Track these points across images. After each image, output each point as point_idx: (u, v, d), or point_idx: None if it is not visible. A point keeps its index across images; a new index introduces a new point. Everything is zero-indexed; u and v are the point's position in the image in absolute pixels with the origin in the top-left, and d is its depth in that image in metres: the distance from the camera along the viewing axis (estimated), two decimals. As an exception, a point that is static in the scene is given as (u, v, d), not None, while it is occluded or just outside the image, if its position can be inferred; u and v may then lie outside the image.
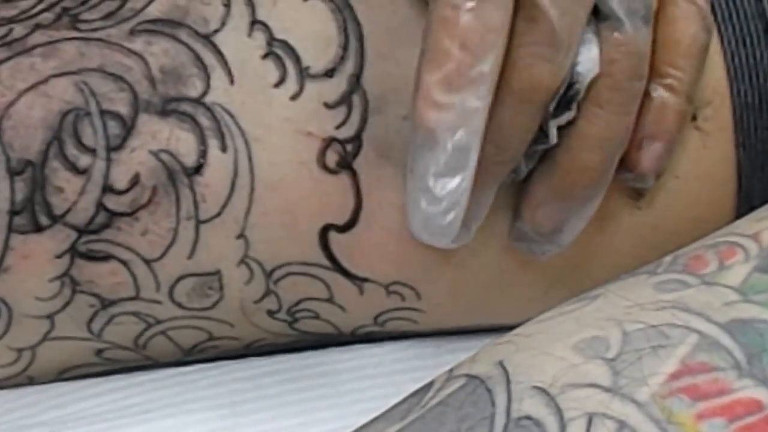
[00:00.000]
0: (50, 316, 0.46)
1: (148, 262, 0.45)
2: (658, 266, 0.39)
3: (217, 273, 0.45)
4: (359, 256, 0.46)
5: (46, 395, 0.48)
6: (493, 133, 0.41)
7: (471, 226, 0.44)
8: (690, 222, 0.48)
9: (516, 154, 0.43)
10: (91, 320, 0.46)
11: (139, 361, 0.48)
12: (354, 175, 0.45)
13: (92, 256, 0.45)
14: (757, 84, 0.47)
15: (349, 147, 0.45)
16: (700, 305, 0.35)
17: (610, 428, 0.32)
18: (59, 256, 0.45)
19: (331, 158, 0.45)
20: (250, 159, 0.44)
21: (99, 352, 0.47)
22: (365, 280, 0.46)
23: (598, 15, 0.43)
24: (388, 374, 0.49)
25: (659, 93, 0.44)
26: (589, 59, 0.43)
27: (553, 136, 0.43)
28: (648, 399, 0.32)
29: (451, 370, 0.37)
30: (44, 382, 0.48)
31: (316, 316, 0.47)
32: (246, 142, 0.44)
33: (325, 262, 0.46)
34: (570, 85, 0.43)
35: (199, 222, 0.44)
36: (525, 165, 0.44)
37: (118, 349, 0.47)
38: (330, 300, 0.47)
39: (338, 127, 0.45)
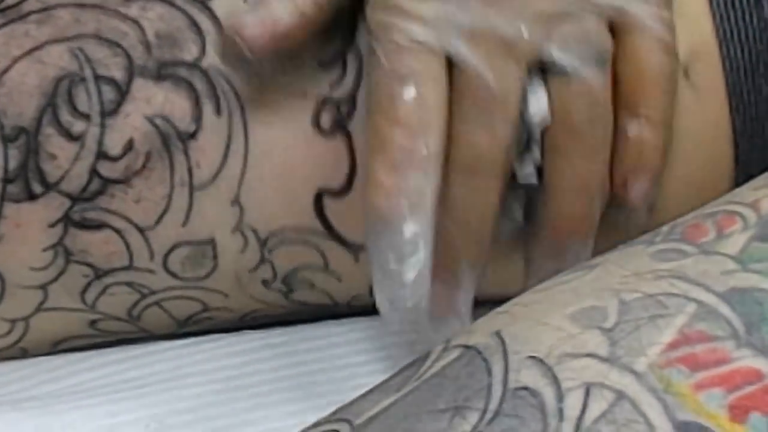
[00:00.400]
0: (43, 287, 0.45)
1: (141, 230, 0.45)
2: (656, 236, 0.39)
3: (212, 241, 0.45)
4: (354, 222, 0.45)
5: (40, 369, 0.47)
6: (453, 212, 0.42)
7: (460, 309, 0.44)
8: (688, 186, 0.47)
9: (481, 229, 0.42)
10: (84, 291, 0.46)
11: (133, 332, 0.48)
12: (348, 137, 0.45)
13: (86, 225, 0.44)
14: (747, 45, 0.46)
15: (343, 108, 0.45)
16: (698, 274, 0.35)
17: (608, 398, 0.31)
18: (52, 225, 0.44)
19: (326, 119, 0.45)
20: (244, 122, 0.44)
21: (93, 323, 0.47)
22: (361, 247, 0.46)
23: (544, 66, 0.42)
24: (384, 348, 0.49)
25: (634, 129, 0.43)
26: (539, 109, 0.42)
27: (530, 175, 0.43)
28: (646, 369, 0.32)
29: (447, 341, 0.36)
30: (38, 355, 0.48)
31: (312, 286, 0.47)
32: (240, 105, 0.44)
33: (320, 228, 0.45)
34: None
35: (193, 188, 0.44)
36: (519, 207, 0.44)
37: (112, 320, 0.47)
38: (325, 269, 0.46)
39: (333, 86, 0.45)
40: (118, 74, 0.44)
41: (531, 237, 0.45)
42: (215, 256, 0.45)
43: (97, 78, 0.43)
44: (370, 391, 0.36)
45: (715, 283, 0.35)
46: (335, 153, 0.45)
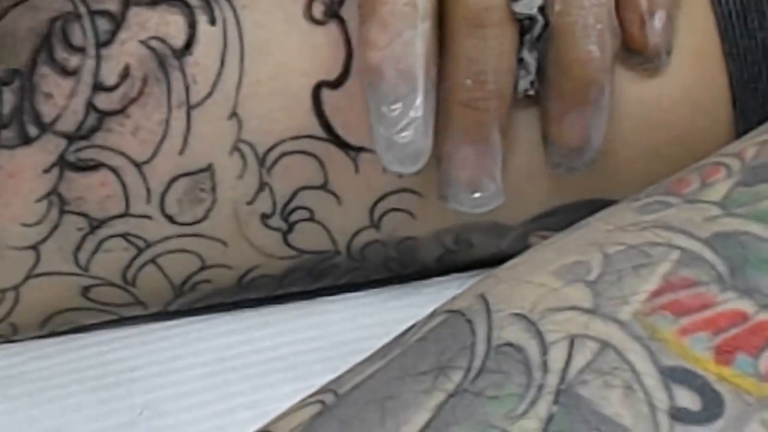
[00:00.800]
0: (35, 247, 0.45)
1: (138, 165, 0.44)
2: (641, 193, 0.38)
3: (209, 168, 0.45)
4: (354, 118, 0.45)
5: (29, 347, 0.47)
6: (468, 68, 0.42)
7: (494, 174, 0.44)
8: (689, 138, 0.47)
9: (499, 81, 0.43)
10: (78, 248, 0.45)
11: (128, 304, 0.47)
12: (342, 23, 0.45)
13: (81, 166, 0.44)
14: None
15: None
16: (681, 222, 0.35)
17: (593, 349, 0.31)
18: (47, 170, 0.44)
19: (318, 9, 0.45)
20: (238, 26, 0.44)
21: (85, 290, 0.47)
22: (360, 149, 0.45)
23: None
24: (382, 324, 0.48)
25: None
26: None
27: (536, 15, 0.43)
28: (630, 318, 0.32)
29: (435, 310, 0.36)
30: (27, 335, 0.48)
31: (311, 217, 0.46)
32: (233, 10, 0.44)
33: (320, 131, 0.45)
34: None
35: (190, 107, 0.44)
36: (532, 60, 0.44)
37: (105, 286, 0.46)
38: (324, 187, 0.46)
39: None
40: (114, 6, 0.44)
41: (546, 92, 0.45)
42: (213, 188, 0.45)
43: (92, 13, 0.44)
44: (359, 363, 0.36)
45: (698, 230, 0.34)
46: (330, 41, 0.45)
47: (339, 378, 0.35)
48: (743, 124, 0.47)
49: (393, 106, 0.42)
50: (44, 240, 0.45)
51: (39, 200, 0.44)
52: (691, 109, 0.47)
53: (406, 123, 0.42)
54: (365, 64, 0.42)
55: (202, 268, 0.47)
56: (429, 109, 0.43)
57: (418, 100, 0.42)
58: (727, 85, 0.47)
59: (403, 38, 0.42)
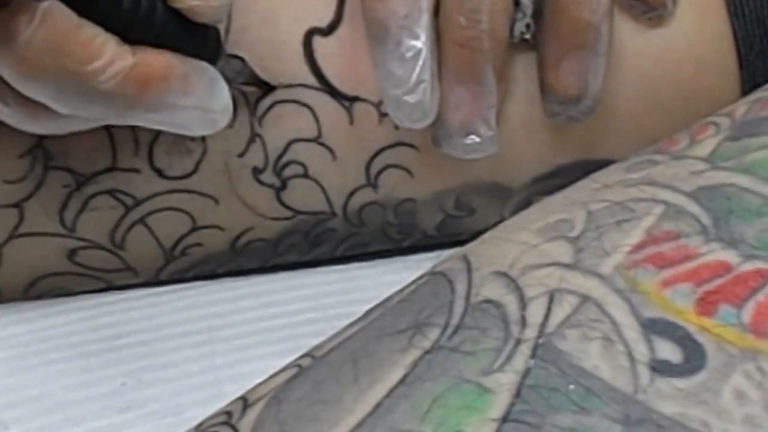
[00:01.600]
0: (19, 205, 0.44)
1: None
2: (632, 155, 0.38)
3: None
4: (346, 66, 0.45)
5: (10, 310, 0.46)
6: (460, 6, 0.42)
7: (488, 117, 0.43)
8: (694, 97, 0.46)
9: (494, 22, 0.43)
10: (63, 207, 0.45)
11: (117, 269, 0.47)
12: None
13: None
14: None
15: None
16: (666, 178, 0.34)
17: (572, 303, 0.31)
18: None
19: None
20: None
21: (72, 254, 0.46)
22: (355, 99, 0.45)
23: None
24: (378, 297, 0.47)
25: None
26: None
27: None
28: (611, 271, 0.31)
29: (421, 274, 0.36)
30: (10, 300, 0.47)
31: (305, 173, 0.46)
32: None
33: (312, 79, 0.45)
34: None
35: None
36: (528, 3, 0.44)
37: (93, 248, 0.46)
38: (318, 140, 0.45)
39: None
40: None
41: (543, 37, 0.44)
42: (203, 136, 0.44)
43: None
44: (343, 327, 0.35)
45: (683, 184, 0.34)
46: None
47: (320, 343, 0.35)
48: (749, 82, 0.47)
49: (401, 65, 0.42)
50: (28, 198, 0.44)
51: (23, 155, 0.44)
52: (695, 63, 0.46)
53: (414, 82, 0.42)
54: (370, 17, 0.42)
55: (194, 229, 0.46)
56: (435, 64, 0.43)
57: (425, 57, 0.42)
58: (731, 41, 0.46)
59: None
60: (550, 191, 0.46)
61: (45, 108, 0.38)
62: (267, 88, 0.44)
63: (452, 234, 0.49)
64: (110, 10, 0.37)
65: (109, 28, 0.37)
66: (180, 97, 0.39)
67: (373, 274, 0.49)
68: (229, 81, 0.41)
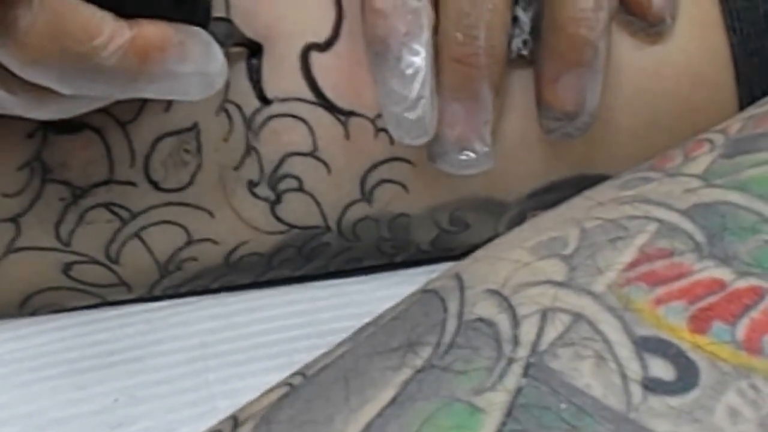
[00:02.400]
0: (15, 219, 0.44)
1: (122, 124, 0.44)
2: (626, 172, 0.38)
3: (195, 127, 0.44)
4: (343, 80, 0.45)
5: (4, 327, 0.46)
6: (457, 22, 0.42)
7: (483, 134, 0.43)
8: (691, 112, 0.46)
9: (492, 38, 0.42)
10: (60, 221, 0.45)
11: (111, 284, 0.47)
12: None
13: (65, 128, 0.43)
14: None
15: None
16: (660, 195, 0.34)
17: (565, 321, 0.30)
18: (31, 135, 0.43)
19: None
20: None
21: (67, 268, 0.46)
22: (351, 113, 0.45)
23: None
24: (371, 313, 0.47)
25: None
26: None
27: None
28: (604, 289, 0.31)
29: (413, 292, 0.36)
30: (6, 315, 0.46)
31: (300, 187, 0.45)
32: None
33: (308, 94, 0.45)
34: None
35: None
36: (526, 19, 0.44)
37: (88, 263, 0.46)
38: (313, 154, 0.45)
39: None
40: None
41: (541, 53, 0.44)
42: (198, 149, 0.44)
43: None
44: (334, 345, 0.35)
45: (677, 201, 0.34)
46: (320, 3, 0.45)
47: (311, 362, 0.34)
48: (746, 97, 0.46)
49: (401, 82, 0.42)
50: (25, 212, 0.44)
51: (21, 168, 0.44)
52: (693, 79, 0.46)
53: (414, 99, 0.42)
54: (370, 33, 0.42)
55: (188, 243, 0.46)
56: (434, 80, 0.43)
57: (425, 74, 0.42)
58: (729, 57, 0.46)
59: (409, 7, 0.42)
60: (546, 206, 0.46)
61: (51, 92, 0.38)
62: (256, 47, 0.44)
63: (446, 249, 0.49)
64: None
65: (103, 5, 0.37)
66: (179, 65, 0.39)
67: (367, 289, 0.48)
68: (220, 44, 0.41)
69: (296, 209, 0.46)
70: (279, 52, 0.45)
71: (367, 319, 0.45)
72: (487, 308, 0.32)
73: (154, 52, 0.38)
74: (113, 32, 0.37)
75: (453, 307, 0.32)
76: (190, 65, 0.39)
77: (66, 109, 0.40)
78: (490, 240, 0.47)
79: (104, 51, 0.37)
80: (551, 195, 0.47)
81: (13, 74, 0.37)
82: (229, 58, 0.42)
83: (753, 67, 0.46)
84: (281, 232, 0.47)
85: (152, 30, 0.38)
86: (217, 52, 0.40)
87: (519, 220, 0.48)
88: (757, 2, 0.46)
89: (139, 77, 0.38)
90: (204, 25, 0.40)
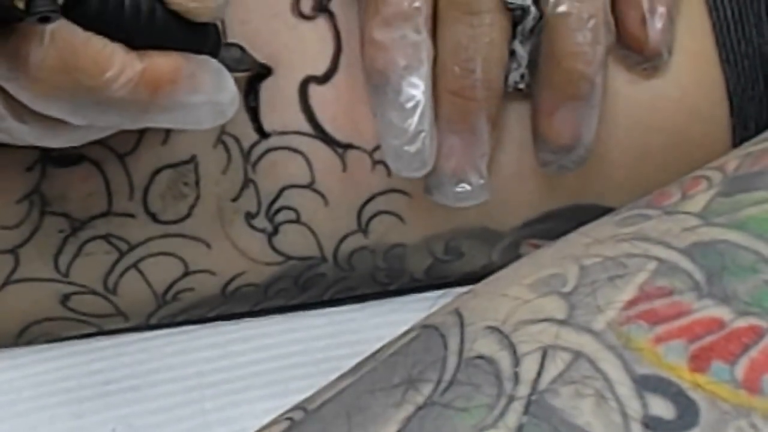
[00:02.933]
0: (14, 251, 0.44)
1: (121, 156, 0.44)
2: (622, 208, 0.38)
3: (193, 160, 0.44)
4: (341, 113, 0.45)
5: (2, 356, 0.46)
6: (458, 56, 0.42)
7: (480, 166, 0.44)
8: (685, 143, 0.46)
9: (488, 70, 0.43)
10: (59, 252, 0.45)
11: (108, 314, 0.47)
12: (331, 17, 0.45)
13: (64, 161, 0.43)
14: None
15: None
16: (659, 233, 0.34)
17: (565, 359, 0.31)
18: (30, 168, 0.43)
19: (306, 4, 0.45)
20: (222, 22, 0.44)
21: (65, 299, 0.46)
22: (349, 146, 0.45)
23: None
24: (366, 341, 0.47)
25: None
26: None
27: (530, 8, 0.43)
28: (604, 327, 0.31)
29: (411, 326, 0.36)
30: (3, 345, 0.46)
31: (297, 219, 0.46)
32: None
33: (307, 126, 0.45)
34: None
35: None
36: (523, 53, 0.44)
37: (86, 294, 0.46)
38: (311, 186, 0.45)
39: None
40: None
41: (538, 86, 0.44)
42: (197, 182, 0.44)
43: None
44: (332, 380, 0.35)
45: (676, 240, 0.34)
46: (318, 36, 0.45)
47: (311, 395, 0.35)
48: (741, 131, 0.47)
49: (400, 115, 0.42)
50: (24, 243, 0.44)
51: (20, 200, 0.44)
52: (688, 113, 0.47)
53: (414, 133, 0.42)
54: (370, 66, 0.43)
55: (186, 274, 0.46)
56: (433, 113, 0.43)
57: (424, 107, 0.42)
58: (724, 90, 0.47)
59: (409, 40, 0.42)
60: (539, 235, 0.47)
61: (62, 121, 0.38)
62: (266, 71, 0.45)
63: (440, 277, 0.49)
64: (114, 20, 0.37)
65: (113, 37, 0.37)
66: (190, 95, 0.39)
67: (360, 317, 0.48)
68: (231, 69, 0.41)
69: (293, 241, 0.46)
70: (277, 84, 0.45)
71: (362, 347, 0.45)
72: (487, 345, 0.32)
73: (165, 84, 0.38)
74: (124, 65, 0.37)
75: (453, 343, 0.32)
76: (202, 96, 0.39)
77: (78, 138, 0.40)
78: (483, 268, 0.48)
79: (115, 84, 0.37)
80: (545, 224, 0.47)
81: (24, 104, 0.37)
82: (239, 83, 0.42)
83: (747, 100, 0.47)
84: (278, 263, 0.47)
85: (163, 62, 0.38)
86: (228, 80, 0.40)
87: (513, 248, 0.48)
88: (751, 35, 0.46)
89: (150, 108, 0.38)
90: (214, 53, 0.40)
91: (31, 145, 0.39)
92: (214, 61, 0.40)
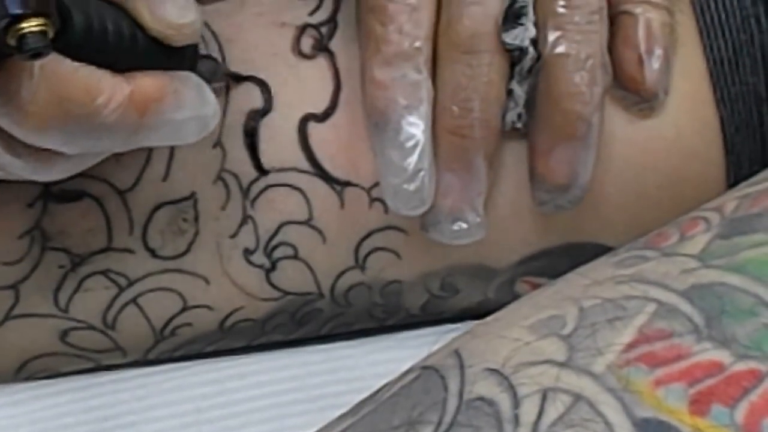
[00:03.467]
0: (15, 286, 0.44)
1: (121, 193, 0.44)
2: (620, 248, 0.38)
3: (192, 196, 0.44)
4: (340, 151, 0.45)
5: (1, 392, 0.46)
6: (457, 96, 0.43)
7: (476, 205, 0.44)
8: (681, 182, 0.47)
9: (486, 110, 0.43)
10: (58, 288, 0.45)
11: (107, 350, 0.47)
12: (331, 56, 0.45)
13: (64, 197, 0.44)
14: (730, 38, 0.46)
15: (324, 30, 0.45)
16: (658, 275, 0.34)
17: (565, 401, 0.31)
18: (31, 204, 0.44)
19: (306, 44, 0.45)
20: (223, 59, 0.44)
21: (64, 334, 0.46)
22: (347, 184, 0.45)
23: None
24: (363, 378, 0.47)
25: (641, 9, 0.44)
26: None
27: (529, 50, 0.44)
28: (604, 370, 0.31)
29: (411, 367, 0.36)
30: (1, 381, 0.46)
31: (295, 255, 0.46)
32: (219, 44, 0.45)
33: (305, 164, 0.45)
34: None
35: None
36: (521, 92, 0.44)
37: (85, 329, 0.46)
38: (309, 223, 0.45)
39: (312, 13, 0.45)
40: None
41: (535, 126, 0.44)
42: (196, 219, 0.44)
43: None
44: (331, 421, 0.35)
45: (674, 282, 0.34)
46: (318, 75, 0.45)
47: (312, 436, 0.35)
48: (735, 170, 0.47)
49: (400, 154, 0.43)
50: (24, 279, 0.45)
51: (21, 236, 0.44)
52: (683, 152, 0.47)
53: (413, 171, 0.43)
54: (370, 105, 0.43)
55: (184, 309, 0.46)
56: (432, 152, 0.43)
57: (424, 146, 0.42)
58: (719, 130, 0.47)
59: (409, 80, 0.42)
60: (535, 272, 0.47)
61: (55, 153, 0.38)
62: (239, 78, 0.45)
63: (436, 313, 0.49)
64: (99, 47, 0.37)
65: (99, 63, 0.37)
66: (176, 112, 0.39)
67: (357, 353, 0.48)
68: (208, 82, 0.41)
69: (291, 276, 0.46)
70: (277, 122, 0.45)
71: (358, 384, 0.45)
72: (487, 387, 0.32)
73: (152, 103, 0.38)
74: (113, 89, 0.37)
75: (453, 385, 0.32)
76: (187, 111, 0.39)
77: (71, 168, 0.40)
78: (479, 304, 0.48)
79: (106, 109, 0.37)
80: (541, 262, 0.47)
81: (17, 138, 0.37)
82: (217, 93, 0.43)
83: (742, 139, 0.47)
84: (275, 299, 0.47)
85: (149, 82, 0.38)
86: (209, 94, 0.40)
87: (509, 285, 0.48)
88: (746, 75, 0.47)
89: (140, 129, 0.38)
90: (193, 68, 0.41)
91: (27, 179, 0.40)
92: (194, 75, 0.40)
